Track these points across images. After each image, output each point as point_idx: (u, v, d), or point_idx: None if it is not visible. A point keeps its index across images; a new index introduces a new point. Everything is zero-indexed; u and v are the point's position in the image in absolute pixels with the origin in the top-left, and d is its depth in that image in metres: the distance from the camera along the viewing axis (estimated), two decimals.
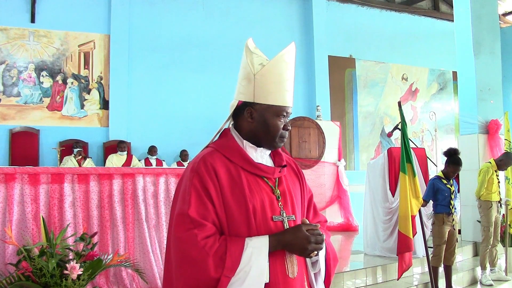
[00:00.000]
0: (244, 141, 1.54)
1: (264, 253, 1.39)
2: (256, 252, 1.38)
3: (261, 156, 1.56)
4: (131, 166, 7.38)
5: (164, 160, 8.15)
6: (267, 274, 1.39)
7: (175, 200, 1.48)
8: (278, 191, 1.52)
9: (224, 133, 1.58)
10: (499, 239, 5.39)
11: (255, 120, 1.52)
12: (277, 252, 1.43)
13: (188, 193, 1.42)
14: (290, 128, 1.58)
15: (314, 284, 1.55)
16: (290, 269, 1.46)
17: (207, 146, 1.57)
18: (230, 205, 1.44)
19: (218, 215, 1.43)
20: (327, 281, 1.60)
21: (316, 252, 1.44)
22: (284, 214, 1.49)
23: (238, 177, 1.47)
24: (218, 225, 1.43)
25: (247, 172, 1.49)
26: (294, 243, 1.42)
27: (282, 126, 1.53)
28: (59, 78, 7.94)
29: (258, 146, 1.55)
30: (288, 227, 1.48)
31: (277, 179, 1.54)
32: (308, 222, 1.48)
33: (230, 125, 1.59)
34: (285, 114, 1.54)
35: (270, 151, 1.59)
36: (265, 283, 1.39)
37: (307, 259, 1.53)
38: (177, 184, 1.54)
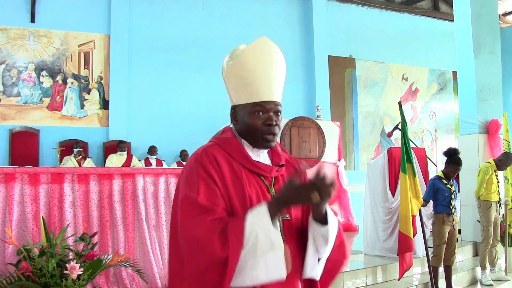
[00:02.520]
0: (242, 139, 1.54)
1: (265, 216, 1.33)
2: (257, 218, 1.33)
3: (258, 154, 1.55)
4: (131, 166, 7.38)
5: (164, 160, 8.15)
6: (277, 233, 1.34)
7: (176, 197, 1.46)
8: (273, 190, 1.51)
9: (226, 130, 1.59)
10: (499, 239, 5.39)
11: (238, 122, 1.53)
12: None
13: (196, 182, 1.40)
14: (274, 122, 1.48)
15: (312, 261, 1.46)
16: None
17: (209, 141, 1.58)
18: (231, 196, 1.43)
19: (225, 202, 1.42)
20: (328, 279, 1.53)
21: (319, 197, 1.32)
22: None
23: (239, 171, 1.47)
24: (229, 210, 1.41)
25: (245, 168, 1.49)
26: (293, 193, 1.34)
27: (261, 122, 1.48)
28: (59, 78, 7.94)
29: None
30: (281, 227, 1.45)
31: (273, 178, 1.54)
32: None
33: (232, 125, 1.60)
34: (262, 110, 1.48)
35: (266, 150, 1.57)
36: None
37: (309, 251, 1.45)
38: (177, 182, 1.53)
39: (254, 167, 1.50)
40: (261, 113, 1.48)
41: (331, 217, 1.46)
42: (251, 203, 1.43)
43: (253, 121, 1.48)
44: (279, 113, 1.51)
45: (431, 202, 4.70)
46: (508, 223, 5.63)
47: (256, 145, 1.52)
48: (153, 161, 8.00)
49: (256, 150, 1.54)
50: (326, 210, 1.45)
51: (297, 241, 1.50)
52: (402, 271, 4.41)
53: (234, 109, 1.53)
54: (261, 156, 1.55)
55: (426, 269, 4.81)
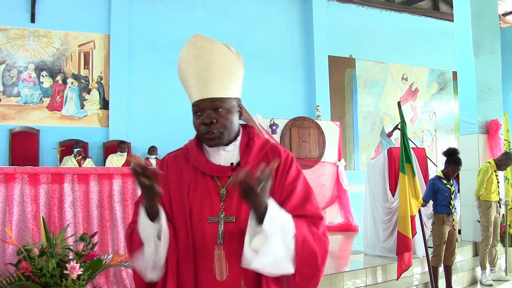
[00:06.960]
0: None
1: (142, 213, 1.40)
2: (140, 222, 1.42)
3: (219, 154, 1.49)
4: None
5: None
6: (148, 221, 1.39)
7: None
8: (224, 190, 1.45)
9: None
10: (499, 239, 5.39)
11: None
12: (204, 253, 1.40)
13: None
14: (208, 121, 1.43)
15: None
16: (218, 270, 1.39)
17: None
18: (173, 205, 1.48)
19: (165, 210, 1.46)
20: (301, 279, 1.37)
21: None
22: (222, 215, 1.41)
23: (186, 177, 1.48)
24: (169, 216, 1.48)
25: (199, 171, 1.48)
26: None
27: (198, 123, 1.46)
28: (59, 78, 7.94)
29: None
30: (223, 229, 1.40)
31: (230, 177, 1.45)
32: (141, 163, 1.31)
33: None
34: (199, 110, 1.45)
35: (237, 148, 1.51)
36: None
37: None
38: None
39: (206, 168, 1.48)
40: (199, 113, 1.47)
41: (272, 216, 1.30)
42: (190, 210, 1.44)
43: (194, 122, 1.50)
44: (219, 109, 1.44)
45: (431, 202, 4.70)
46: (508, 223, 5.64)
47: (206, 144, 1.51)
48: (153, 161, 8.00)
49: (217, 149, 1.49)
50: (268, 208, 1.29)
51: (240, 244, 1.34)
52: (401, 271, 4.41)
53: None
54: (223, 155, 1.49)
55: (426, 269, 4.81)
